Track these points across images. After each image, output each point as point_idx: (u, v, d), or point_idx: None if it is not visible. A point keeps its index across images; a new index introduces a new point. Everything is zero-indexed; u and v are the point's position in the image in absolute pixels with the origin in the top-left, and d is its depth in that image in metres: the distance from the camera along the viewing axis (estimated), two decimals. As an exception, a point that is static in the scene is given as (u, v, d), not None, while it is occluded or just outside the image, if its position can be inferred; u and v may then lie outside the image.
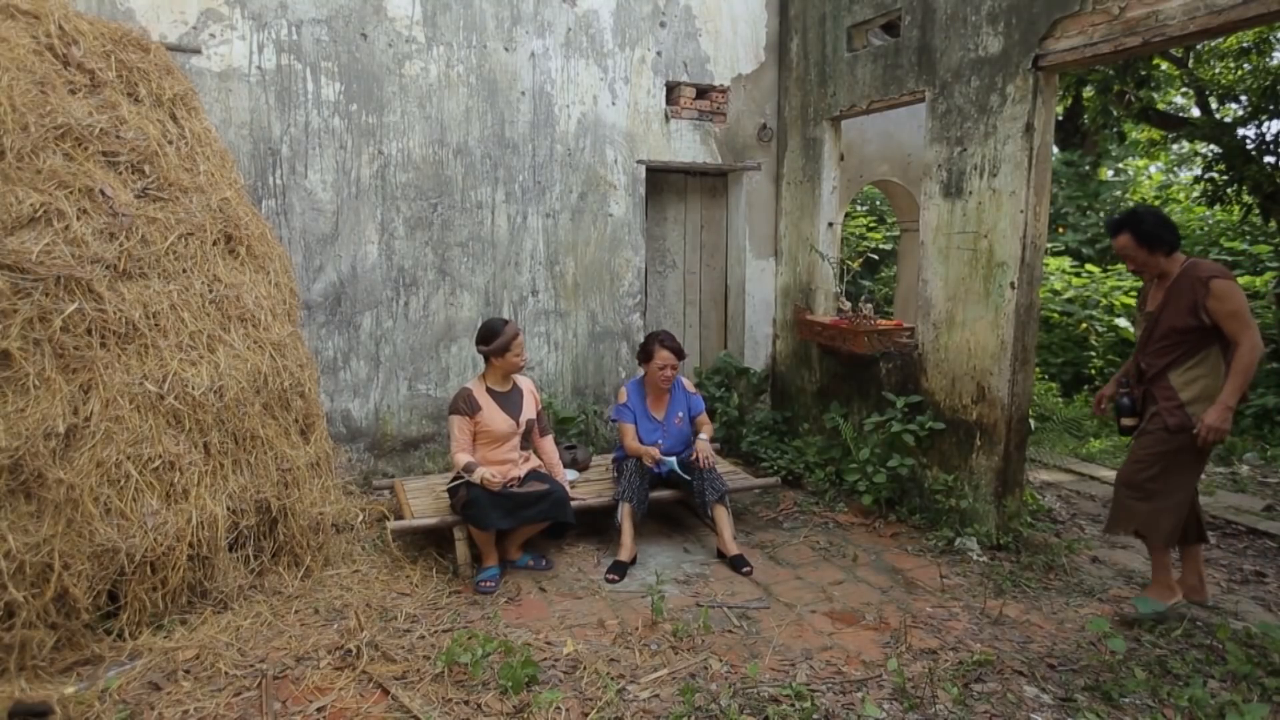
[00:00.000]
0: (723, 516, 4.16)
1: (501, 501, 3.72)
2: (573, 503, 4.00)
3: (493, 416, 3.88)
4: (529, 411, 4.06)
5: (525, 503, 3.78)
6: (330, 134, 4.68)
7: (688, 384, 4.52)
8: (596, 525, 4.53)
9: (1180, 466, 3.39)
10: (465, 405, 3.85)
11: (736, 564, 4.02)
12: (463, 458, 3.79)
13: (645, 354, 4.31)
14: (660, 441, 4.32)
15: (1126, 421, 3.59)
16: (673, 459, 4.23)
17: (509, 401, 3.98)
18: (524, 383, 4.15)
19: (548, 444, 4.21)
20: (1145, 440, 3.46)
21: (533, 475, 4.01)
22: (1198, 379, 3.35)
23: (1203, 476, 4.96)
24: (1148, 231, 3.37)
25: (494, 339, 3.88)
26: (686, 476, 4.23)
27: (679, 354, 4.31)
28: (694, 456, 4.22)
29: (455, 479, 3.89)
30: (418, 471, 5.07)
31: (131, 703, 2.74)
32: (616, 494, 4.21)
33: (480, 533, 3.79)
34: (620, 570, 3.96)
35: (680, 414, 4.41)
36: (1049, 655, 3.16)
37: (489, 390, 3.94)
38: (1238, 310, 3.20)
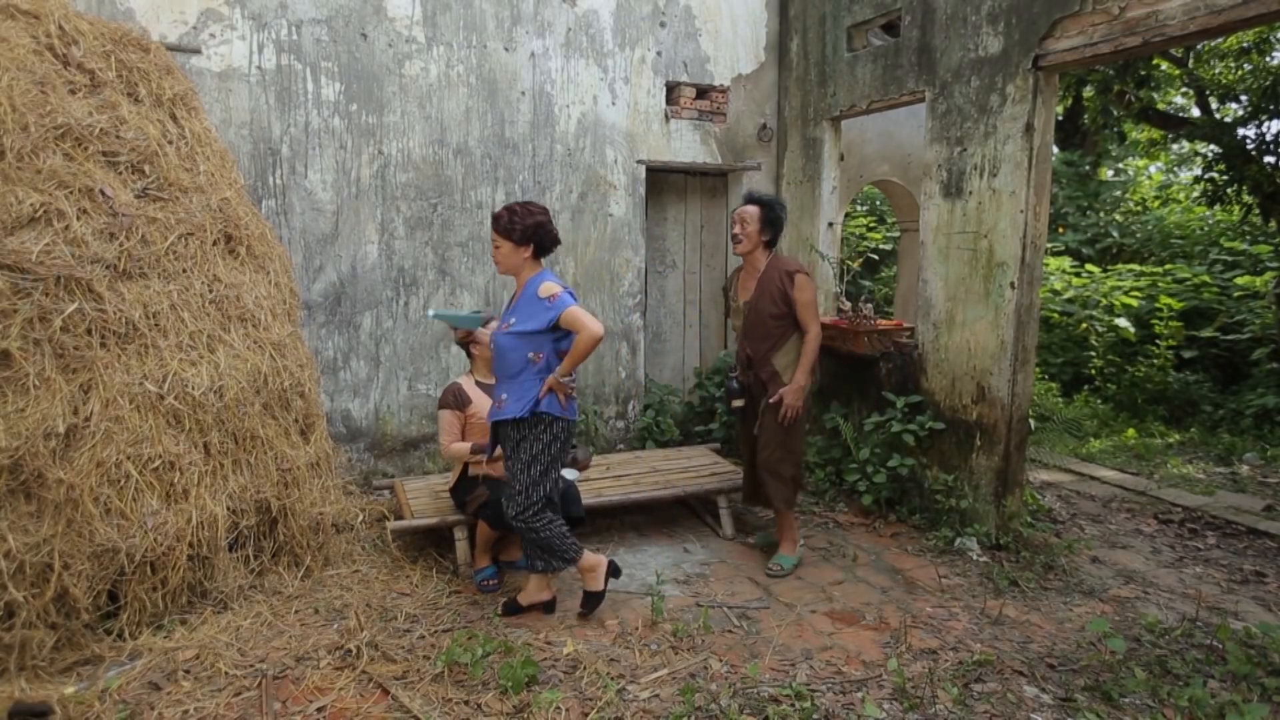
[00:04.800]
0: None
1: None
2: None
3: (485, 408, 3.87)
4: None
5: None
6: (330, 134, 4.68)
7: (549, 289, 3.22)
8: (597, 525, 4.53)
9: (793, 441, 3.98)
10: (455, 399, 3.85)
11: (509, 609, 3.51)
12: (460, 446, 3.79)
13: None
14: (495, 350, 3.37)
15: (737, 403, 4.06)
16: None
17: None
18: None
19: None
20: (768, 425, 3.95)
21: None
22: (790, 361, 3.90)
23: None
24: (773, 216, 3.90)
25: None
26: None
27: (497, 226, 3.24)
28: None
29: (459, 480, 3.90)
30: (418, 471, 5.07)
31: (131, 703, 2.73)
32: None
33: (489, 532, 3.80)
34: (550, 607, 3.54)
35: (512, 319, 3.27)
36: (1049, 655, 3.16)
37: (478, 384, 3.94)
38: (810, 302, 3.84)
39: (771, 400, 3.89)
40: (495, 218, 3.27)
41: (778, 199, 4.05)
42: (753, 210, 3.91)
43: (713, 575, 3.96)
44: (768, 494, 4.05)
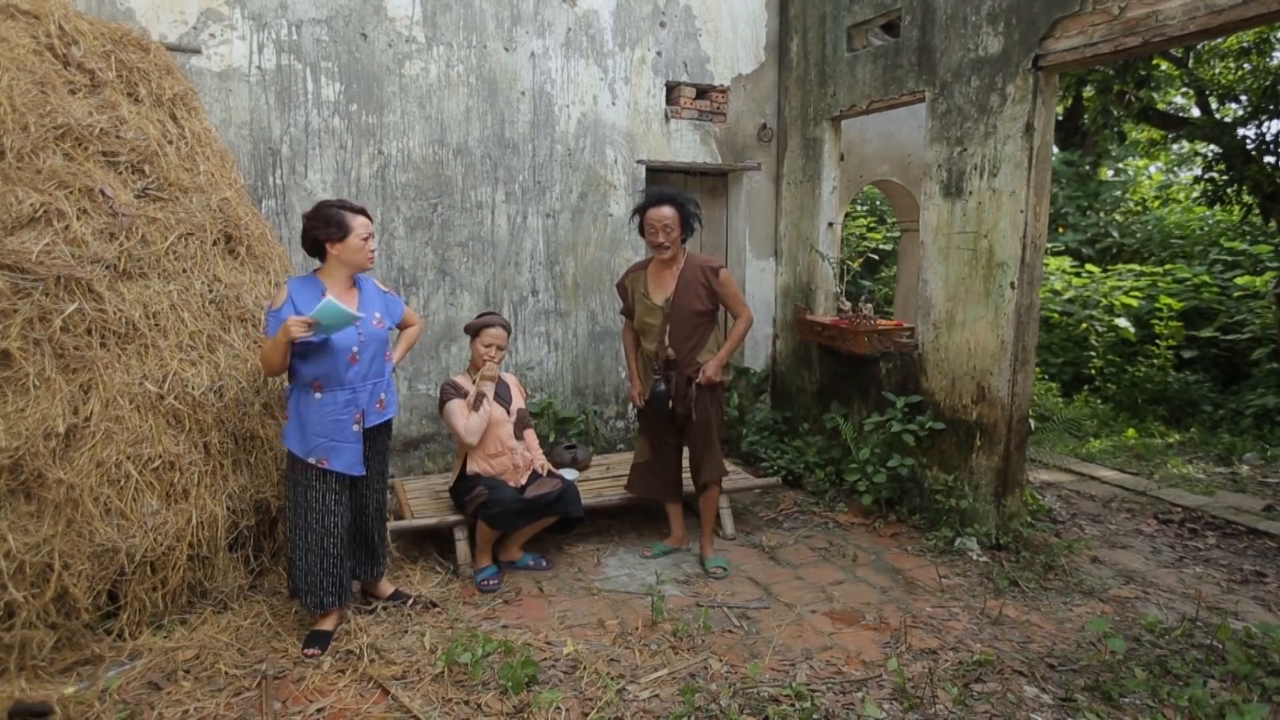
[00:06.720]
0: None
1: (521, 505, 3.77)
2: None
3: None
4: (518, 401, 4.07)
5: (541, 505, 3.82)
6: (330, 134, 4.68)
7: (378, 283, 3.49)
8: (597, 525, 4.53)
9: (717, 427, 4.04)
10: (455, 390, 3.87)
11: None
12: (475, 416, 3.80)
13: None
14: (356, 350, 3.15)
15: (671, 404, 3.98)
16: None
17: (496, 392, 3.98)
18: (508, 376, 4.18)
19: (531, 437, 4.21)
20: (703, 425, 3.94)
21: (534, 477, 4.02)
22: (711, 356, 3.91)
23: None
24: (688, 214, 3.84)
25: (477, 319, 3.95)
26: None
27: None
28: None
29: (458, 479, 3.91)
30: (418, 471, 5.07)
31: (131, 703, 2.74)
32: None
33: (490, 532, 3.80)
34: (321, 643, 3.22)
35: (377, 314, 3.31)
36: (1049, 655, 3.16)
37: (475, 382, 3.94)
38: (738, 293, 3.97)
39: (699, 381, 3.84)
40: (358, 212, 3.18)
41: (689, 195, 3.92)
42: (671, 213, 3.78)
43: (712, 575, 3.96)
44: (708, 469, 3.99)
